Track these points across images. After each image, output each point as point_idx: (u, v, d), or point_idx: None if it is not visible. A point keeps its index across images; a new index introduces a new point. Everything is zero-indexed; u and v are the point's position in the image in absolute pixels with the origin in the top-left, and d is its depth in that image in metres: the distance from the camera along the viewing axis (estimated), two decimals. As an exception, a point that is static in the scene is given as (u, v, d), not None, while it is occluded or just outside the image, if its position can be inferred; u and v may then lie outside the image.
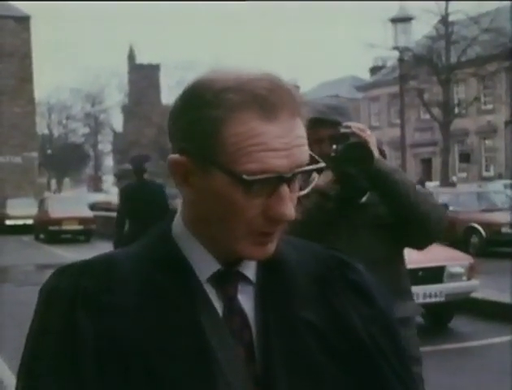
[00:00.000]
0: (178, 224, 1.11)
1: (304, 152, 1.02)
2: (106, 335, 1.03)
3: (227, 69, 1.04)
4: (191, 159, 1.02)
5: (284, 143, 0.99)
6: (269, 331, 1.07)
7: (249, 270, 1.10)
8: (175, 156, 1.04)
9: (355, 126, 2.44)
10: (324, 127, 2.49)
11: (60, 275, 1.10)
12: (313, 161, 1.05)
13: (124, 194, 8.87)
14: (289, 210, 1.01)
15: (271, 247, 1.06)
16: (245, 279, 1.10)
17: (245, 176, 0.98)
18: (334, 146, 2.43)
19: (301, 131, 1.03)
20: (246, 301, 1.09)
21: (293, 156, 1.00)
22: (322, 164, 1.06)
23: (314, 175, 1.07)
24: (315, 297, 1.12)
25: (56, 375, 1.03)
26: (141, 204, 8.38)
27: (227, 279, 1.09)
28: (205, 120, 1.00)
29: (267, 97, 0.99)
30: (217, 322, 1.06)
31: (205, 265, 1.08)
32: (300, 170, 1.02)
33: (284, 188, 1.01)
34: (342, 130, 2.43)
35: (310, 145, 2.91)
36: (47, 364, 1.04)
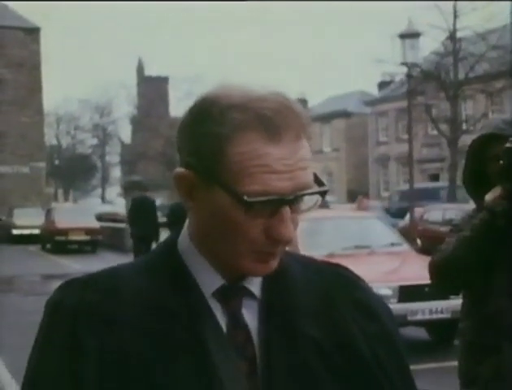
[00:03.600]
0: (184, 239, 1.11)
1: (307, 174, 1.02)
2: (109, 350, 1.03)
3: (236, 85, 1.04)
4: (196, 174, 1.03)
5: (288, 165, 0.99)
6: (272, 346, 1.07)
7: (254, 285, 1.10)
8: (181, 170, 1.05)
9: None
10: (501, 143, 2.41)
11: (65, 289, 1.11)
12: (317, 182, 1.04)
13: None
14: (289, 231, 1.01)
15: (274, 264, 1.06)
16: (250, 294, 1.10)
17: (246, 198, 0.98)
18: (501, 162, 2.39)
19: (305, 152, 1.02)
20: (250, 315, 1.09)
21: (296, 178, 1.00)
22: (325, 187, 1.05)
23: (318, 197, 1.05)
24: (319, 313, 1.12)
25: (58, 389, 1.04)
26: None
27: (231, 294, 1.09)
28: (210, 137, 1.00)
29: (272, 119, 0.99)
30: (221, 336, 1.06)
31: (209, 280, 1.08)
32: (302, 192, 1.01)
33: (286, 210, 1.01)
34: (507, 145, 2.36)
35: (486, 162, 2.84)
36: (50, 378, 1.05)
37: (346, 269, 1.22)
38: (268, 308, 1.10)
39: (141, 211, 14.37)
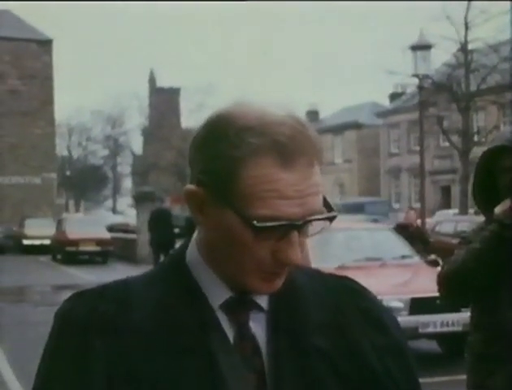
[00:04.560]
0: (193, 251, 1.12)
1: (318, 199, 1.03)
2: (118, 361, 1.04)
3: (251, 105, 1.05)
4: (207, 192, 1.03)
5: (299, 191, 1.00)
6: (280, 358, 1.08)
7: (261, 297, 1.10)
8: (192, 187, 1.05)
9: None
10: (510, 155, 2.43)
11: (76, 299, 1.11)
12: (326, 206, 1.05)
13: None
14: (297, 255, 1.03)
15: (279, 283, 1.07)
16: (257, 306, 1.10)
17: (255, 222, 0.99)
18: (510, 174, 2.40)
19: (317, 178, 1.03)
20: (258, 328, 1.10)
21: (307, 204, 1.01)
22: (334, 213, 1.05)
23: (326, 222, 1.06)
24: (327, 325, 1.12)
25: None
26: None
27: (239, 306, 1.09)
28: (224, 158, 1.01)
29: (287, 145, 1.00)
30: (228, 348, 1.07)
31: (217, 292, 1.09)
32: (311, 218, 1.02)
33: (294, 235, 1.02)
34: None
35: (496, 175, 2.85)
36: (59, 388, 1.05)
37: (353, 281, 1.22)
38: (276, 320, 1.10)
39: (159, 221, 16.47)
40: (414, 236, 10.87)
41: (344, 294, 1.17)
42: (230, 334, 1.08)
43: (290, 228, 1.01)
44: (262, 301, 1.10)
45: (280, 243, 1.02)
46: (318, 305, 1.13)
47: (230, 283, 1.08)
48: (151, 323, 1.06)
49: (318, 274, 1.21)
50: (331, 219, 1.06)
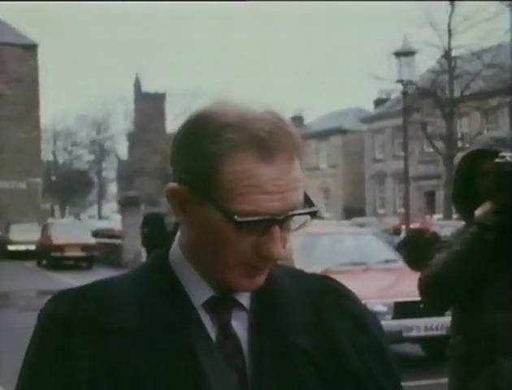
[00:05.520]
0: (175, 251, 1.13)
1: (299, 194, 1.04)
2: (101, 359, 1.04)
3: (231, 103, 1.05)
4: (189, 190, 1.04)
5: (279, 186, 1.01)
6: (262, 356, 1.09)
7: (243, 296, 1.12)
8: (174, 185, 1.06)
9: (511, 155, 2.39)
10: (490, 159, 2.43)
11: (58, 299, 1.12)
12: (307, 202, 1.06)
13: None
14: (279, 249, 1.03)
15: (261, 279, 1.08)
16: (239, 305, 1.11)
17: (237, 217, 1.00)
18: (491, 176, 2.42)
19: (297, 173, 1.04)
20: (240, 326, 1.11)
21: (287, 199, 1.02)
22: (315, 208, 1.06)
23: (307, 217, 1.07)
24: (309, 324, 1.13)
25: None
26: None
27: (221, 305, 1.10)
28: (204, 155, 1.02)
29: (266, 139, 1.00)
30: (210, 347, 1.08)
31: (199, 291, 1.10)
32: (293, 213, 1.03)
33: (276, 229, 1.03)
34: (496, 160, 2.39)
35: (475, 178, 2.84)
36: (42, 387, 1.06)
37: (335, 280, 1.23)
38: (258, 319, 1.11)
39: (152, 225, 17.13)
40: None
41: (327, 294, 1.18)
42: (212, 333, 1.09)
43: (271, 223, 1.01)
44: (245, 300, 1.11)
45: (262, 238, 1.03)
46: (300, 305, 1.14)
47: (213, 282, 1.09)
48: (133, 322, 1.06)
49: (300, 273, 1.22)
50: (312, 214, 1.06)
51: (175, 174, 1.07)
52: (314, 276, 1.23)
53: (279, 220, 1.02)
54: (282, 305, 1.13)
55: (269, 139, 1.01)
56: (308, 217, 1.07)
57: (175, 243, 1.14)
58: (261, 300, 1.12)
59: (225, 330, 1.10)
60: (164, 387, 1.04)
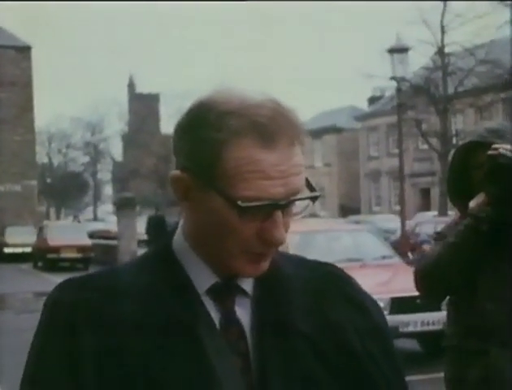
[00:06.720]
0: (178, 238, 1.15)
1: (300, 179, 1.06)
2: (107, 347, 1.06)
3: (233, 91, 1.07)
4: (192, 177, 1.06)
5: (281, 171, 1.03)
6: (265, 342, 1.11)
7: (247, 283, 1.14)
8: (178, 172, 1.08)
9: (504, 147, 2.40)
10: (483, 151, 2.44)
11: (63, 287, 1.13)
12: (309, 187, 1.08)
13: None
14: (282, 234, 1.05)
15: (265, 265, 1.10)
16: (243, 291, 1.13)
17: (239, 203, 1.02)
18: (485, 168, 2.43)
19: (299, 159, 1.05)
20: (243, 312, 1.13)
21: (290, 184, 1.03)
22: (316, 193, 1.08)
23: (309, 202, 1.09)
24: (311, 310, 1.15)
25: (57, 388, 1.07)
26: None
27: (224, 291, 1.12)
28: (207, 142, 1.04)
29: (267, 125, 1.02)
30: (214, 333, 1.10)
31: (203, 278, 1.12)
32: (295, 198, 1.05)
33: (278, 214, 1.05)
34: (489, 152, 2.41)
35: (470, 170, 2.85)
36: (49, 375, 1.08)
37: (336, 267, 1.25)
38: (261, 305, 1.13)
39: (155, 226, 19.10)
40: None
41: (328, 279, 1.20)
42: (216, 318, 1.11)
43: (274, 208, 1.03)
44: (248, 286, 1.13)
45: (265, 223, 1.04)
46: (302, 290, 1.16)
47: (216, 269, 1.11)
48: (138, 310, 1.08)
49: (303, 260, 1.24)
50: (314, 199, 1.09)
51: (178, 161, 1.09)
52: (317, 263, 1.25)
53: (282, 205, 1.04)
54: (285, 292, 1.15)
55: (270, 125, 1.03)
56: (310, 202, 1.09)
57: (179, 231, 1.15)
58: (264, 286, 1.14)
59: (229, 316, 1.12)
60: (169, 372, 1.06)
